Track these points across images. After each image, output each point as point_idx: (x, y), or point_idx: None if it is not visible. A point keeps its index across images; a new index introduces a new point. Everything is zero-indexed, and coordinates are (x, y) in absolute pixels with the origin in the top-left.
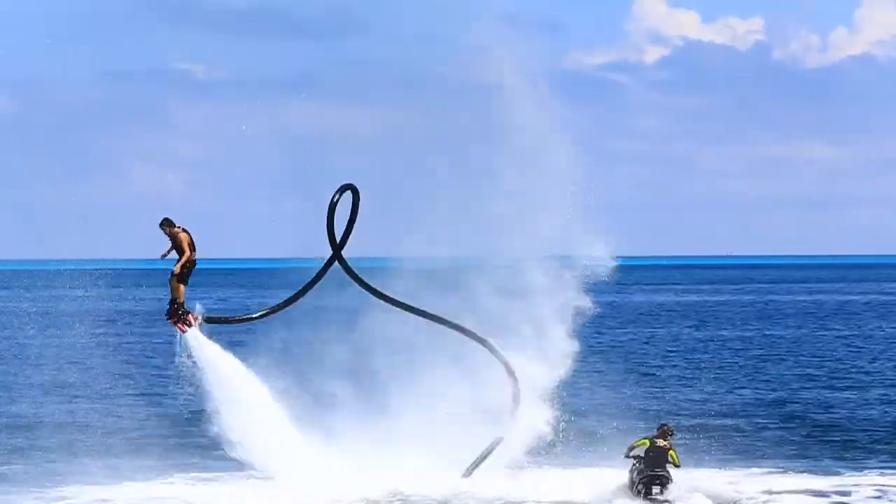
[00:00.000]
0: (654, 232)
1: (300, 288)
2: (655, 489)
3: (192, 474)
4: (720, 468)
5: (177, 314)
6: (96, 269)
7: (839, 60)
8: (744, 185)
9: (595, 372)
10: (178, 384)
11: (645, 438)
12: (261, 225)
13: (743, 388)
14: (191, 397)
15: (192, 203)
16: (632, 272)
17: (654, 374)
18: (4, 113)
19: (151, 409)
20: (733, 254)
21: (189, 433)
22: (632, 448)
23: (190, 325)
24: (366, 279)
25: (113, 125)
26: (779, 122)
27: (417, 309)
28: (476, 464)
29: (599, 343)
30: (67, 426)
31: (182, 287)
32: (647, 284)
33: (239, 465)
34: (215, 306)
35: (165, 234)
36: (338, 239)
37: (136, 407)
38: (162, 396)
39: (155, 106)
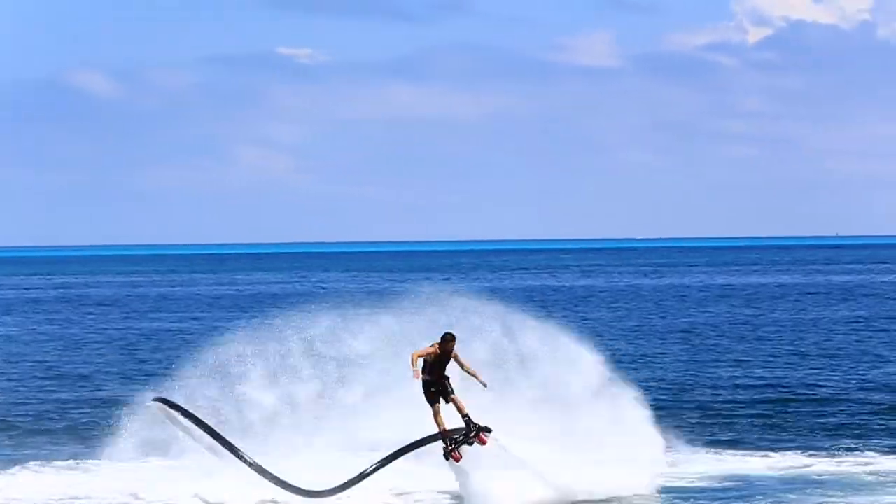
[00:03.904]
0: (758, 212)
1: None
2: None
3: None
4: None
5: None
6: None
7: None
8: (850, 164)
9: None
10: None
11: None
12: (365, 209)
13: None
14: None
15: (297, 187)
16: (739, 253)
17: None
18: (109, 98)
19: None
20: (840, 234)
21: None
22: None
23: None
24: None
25: (218, 110)
26: (886, 101)
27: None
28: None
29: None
30: None
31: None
32: (754, 265)
33: None
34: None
35: (443, 350)
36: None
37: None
38: None
39: (260, 90)
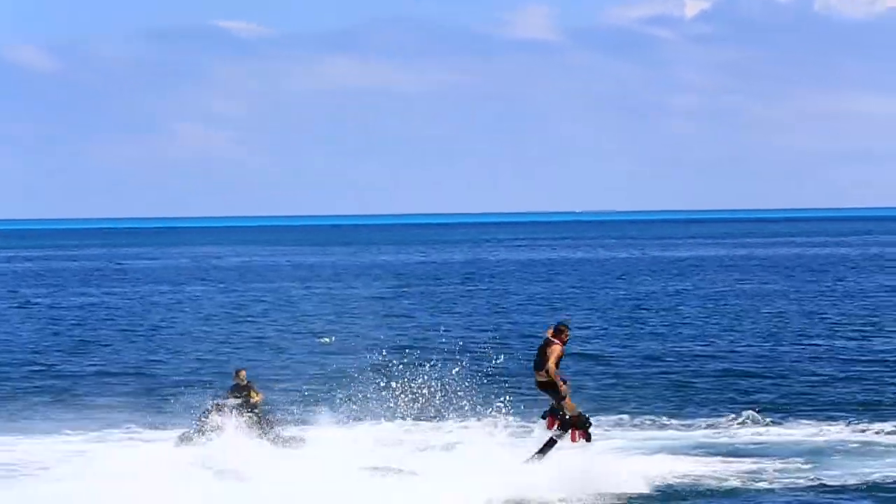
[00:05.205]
0: (698, 185)
1: None
2: None
3: None
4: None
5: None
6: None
7: (883, 11)
8: (789, 138)
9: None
10: None
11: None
12: (306, 182)
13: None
14: None
15: (237, 161)
16: (686, 227)
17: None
18: (46, 72)
19: None
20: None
21: None
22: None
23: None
24: None
25: (157, 84)
26: (822, 75)
27: None
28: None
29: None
30: None
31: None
32: (694, 238)
33: None
34: (253, 261)
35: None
36: None
37: None
38: None
39: (198, 64)
